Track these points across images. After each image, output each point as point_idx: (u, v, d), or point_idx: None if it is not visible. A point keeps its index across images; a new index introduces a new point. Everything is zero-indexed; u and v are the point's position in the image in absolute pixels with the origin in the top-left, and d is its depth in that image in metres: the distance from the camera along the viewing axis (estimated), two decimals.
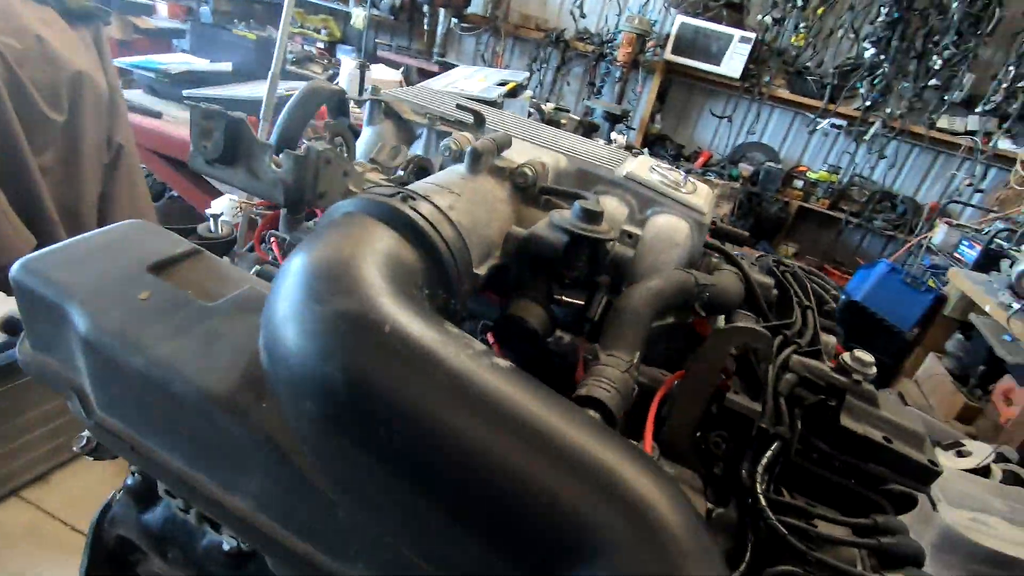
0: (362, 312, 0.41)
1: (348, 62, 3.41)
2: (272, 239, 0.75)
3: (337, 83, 3.58)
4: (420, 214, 0.52)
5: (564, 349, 0.65)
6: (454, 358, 0.40)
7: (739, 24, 5.29)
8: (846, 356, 0.66)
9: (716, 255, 0.85)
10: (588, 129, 3.74)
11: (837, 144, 5.57)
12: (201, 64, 3.17)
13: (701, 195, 0.84)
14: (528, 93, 3.70)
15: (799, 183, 5.58)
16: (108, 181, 1.98)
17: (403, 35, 6.42)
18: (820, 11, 5.08)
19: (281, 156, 0.52)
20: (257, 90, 2.87)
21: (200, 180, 3.00)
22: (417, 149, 0.90)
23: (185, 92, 2.79)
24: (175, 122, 2.78)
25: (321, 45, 5.87)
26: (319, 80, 0.86)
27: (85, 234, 0.55)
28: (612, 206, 0.80)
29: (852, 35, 5.06)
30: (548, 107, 4.40)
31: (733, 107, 5.73)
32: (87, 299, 0.49)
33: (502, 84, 3.26)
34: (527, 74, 3.83)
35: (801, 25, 5.17)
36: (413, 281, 0.48)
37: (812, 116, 5.35)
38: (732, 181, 5.49)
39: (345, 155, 0.60)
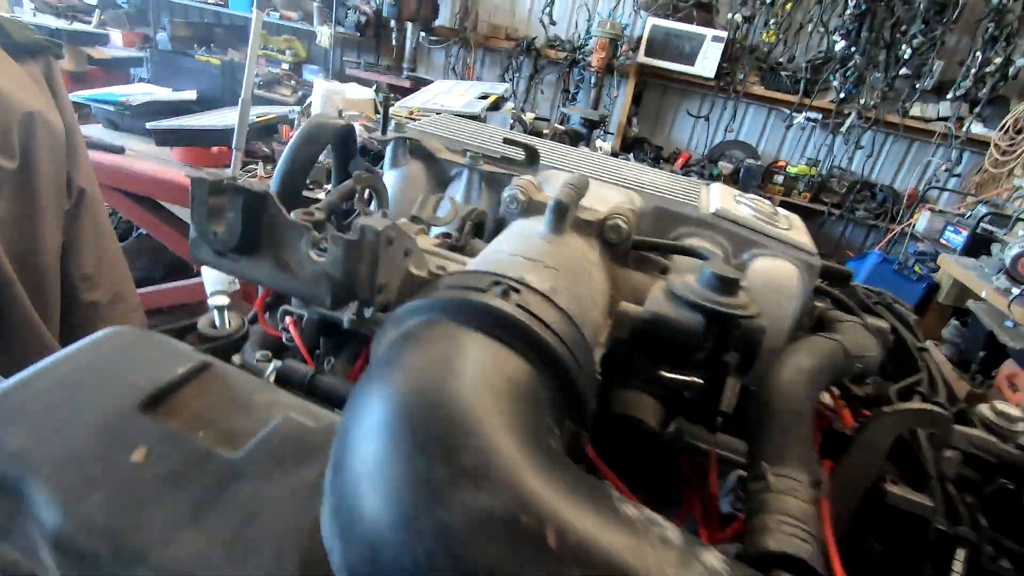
0: (511, 513, 0.27)
1: (320, 83, 3.25)
2: (288, 318, 0.61)
3: (309, 104, 3.42)
4: (531, 313, 0.39)
5: (668, 437, 0.52)
6: (656, 572, 0.27)
7: (709, 23, 5.28)
8: (986, 410, 0.55)
9: (821, 299, 0.73)
10: (574, 138, 3.64)
11: (814, 137, 5.60)
12: (163, 93, 2.98)
13: (797, 227, 0.73)
14: (509, 105, 3.59)
15: (779, 178, 5.59)
16: (70, 229, 1.80)
17: (370, 52, 6.28)
18: (788, 6, 5.10)
19: (327, 241, 0.39)
20: (226, 118, 2.71)
21: (170, 216, 2.82)
22: (455, 196, 0.76)
23: (148, 124, 2.61)
24: (139, 156, 2.61)
25: (286, 66, 5.70)
26: (321, 115, 0.73)
27: (48, 360, 0.40)
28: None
29: (821, 29, 5.09)
30: (528, 117, 4.32)
31: (709, 106, 5.72)
32: (56, 473, 0.33)
33: (484, 97, 3.15)
34: (507, 85, 3.73)
35: (771, 21, 5.19)
36: (544, 422, 0.35)
37: (788, 111, 5.37)
38: (714, 181, 5.46)
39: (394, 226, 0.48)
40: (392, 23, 5.71)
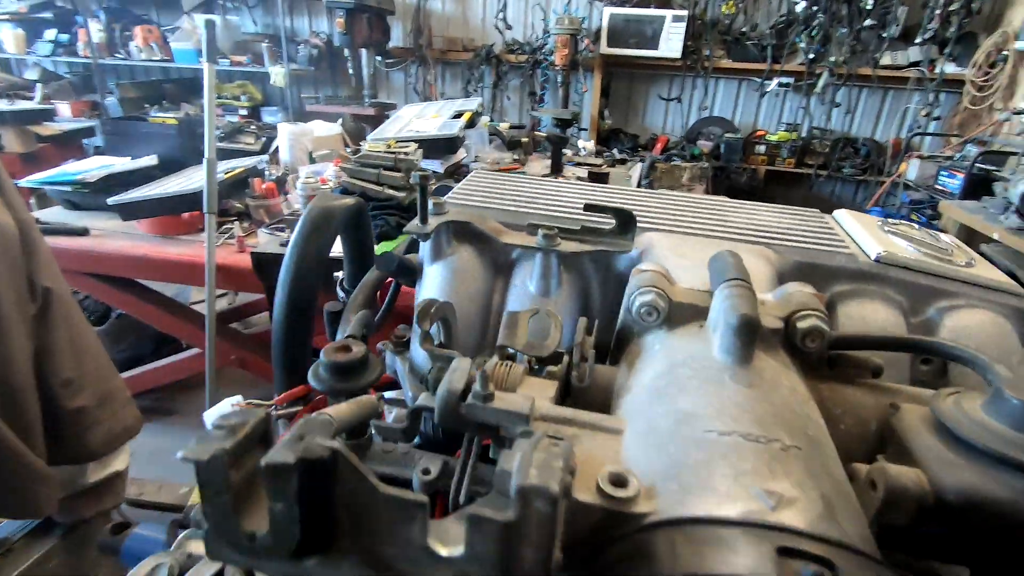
0: None
1: (284, 127, 3.10)
2: None
3: (276, 150, 3.25)
4: None
5: None
6: None
7: (667, 4, 5.19)
8: None
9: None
10: (556, 142, 3.51)
11: (788, 102, 5.53)
12: (122, 163, 2.80)
13: (976, 258, 0.58)
14: (485, 119, 3.46)
15: (761, 148, 5.51)
16: (41, 334, 1.63)
17: (327, 84, 6.12)
18: None
19: (458, 522, 0.23)
20: (192, 180, 2.55)
21: (148, 293, 2.65)
22: (522, 297, 0.58)
23: (110, 200, 2.43)
24: (105, 235, 2.43)
25: (244, 112, 5.52)
26: (324, 196, 0.58)
27: None
28: (880, 316, 0.52)
29: None
30: (503, 127, 4.19)
31: (679, 87, 5.63)
32: None
33: (458, 116, 3.01)
34: (479, 99, 3.60)
35: None
36: None
37: (759, 80, 5.29)
38: (695, 160, 5.37)
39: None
40: (346, 52, 5.56)
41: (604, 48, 5.20)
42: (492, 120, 5.18)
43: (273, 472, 0.23)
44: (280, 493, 0.24)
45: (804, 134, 5.45)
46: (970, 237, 3.74)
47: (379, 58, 5.74)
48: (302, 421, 0.27)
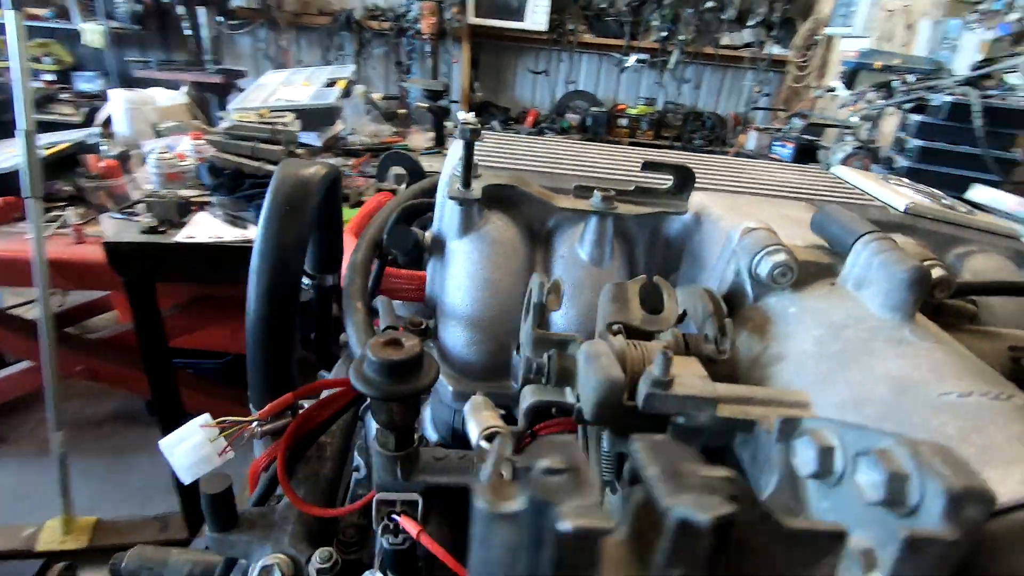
0: None
1: (118, 93, 2.64)
2: (399, 514, 0.35)
3: (109, 120, 2.76)
4: None
5: None
6: None
7: None
8: None
9: None
10: (438, 114, 3.39)
11: (645, 78, 5.88)
12: None
13: (969, 208, 0.61)
14: (361, 88, 3.24)
15: (623, 121, 5.81)
16: None
17: (157, 46, 5.32)
18: None
19: None
20: (2, 158, 2.08)
21: None
22: (572, 267, 0.51)
23: None
24: None
25: (50, 77, 4.62)
26: (293, 163, 0.46)
27: None
28: None
29: None
30: (377, 97, 3.95)
31: (546, 61, 5.72)
32: None
33: (331, 84, 2.78)
34: (353, 67, 3.34)
35: None
36: None
37: (618, 56, 5.55)
38: (565, 133, 5.54)
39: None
40: (179, 9, 4.86)
41: (471, 18, 5.11)
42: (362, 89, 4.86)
43: (693, 534, 0.16)
44: (689, 560, 0.16)
45: (660, 108, 5.84)
46: None
47: (221, 19, 5.10)
48: (649, 444, 0.20)
